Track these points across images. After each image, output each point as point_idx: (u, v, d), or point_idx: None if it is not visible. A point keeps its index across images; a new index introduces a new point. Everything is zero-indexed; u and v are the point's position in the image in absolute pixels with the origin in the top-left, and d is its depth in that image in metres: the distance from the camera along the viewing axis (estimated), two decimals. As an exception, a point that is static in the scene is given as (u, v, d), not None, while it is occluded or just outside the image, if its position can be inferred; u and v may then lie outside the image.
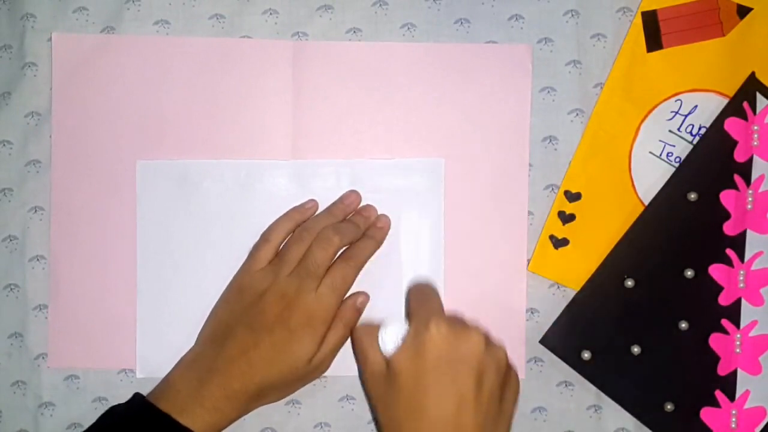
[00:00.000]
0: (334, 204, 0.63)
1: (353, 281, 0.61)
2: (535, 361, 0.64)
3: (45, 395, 0.63)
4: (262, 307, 0.58)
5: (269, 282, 0.59)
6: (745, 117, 0.62)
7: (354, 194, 0.63)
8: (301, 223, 0.62)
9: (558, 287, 0.64)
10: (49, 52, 0.64)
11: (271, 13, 0.64)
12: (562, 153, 0.64)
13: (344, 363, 0.62)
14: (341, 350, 0.62)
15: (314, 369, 0.60)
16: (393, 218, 0.63)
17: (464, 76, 0.64)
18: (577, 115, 0.64)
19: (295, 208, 0.63)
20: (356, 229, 0.62)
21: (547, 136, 0.64)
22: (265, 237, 0.62)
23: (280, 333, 0.57)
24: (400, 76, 0.64)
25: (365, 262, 0.62)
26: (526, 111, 0.64)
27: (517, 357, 0.63)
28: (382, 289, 0.63)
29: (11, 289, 0.64)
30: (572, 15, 0.64)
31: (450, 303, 0.62)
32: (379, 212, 0.63)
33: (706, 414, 0.61)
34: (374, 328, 0.55)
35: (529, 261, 0.64)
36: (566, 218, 0.63)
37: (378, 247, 0.62)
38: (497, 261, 0.63)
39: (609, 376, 0.62)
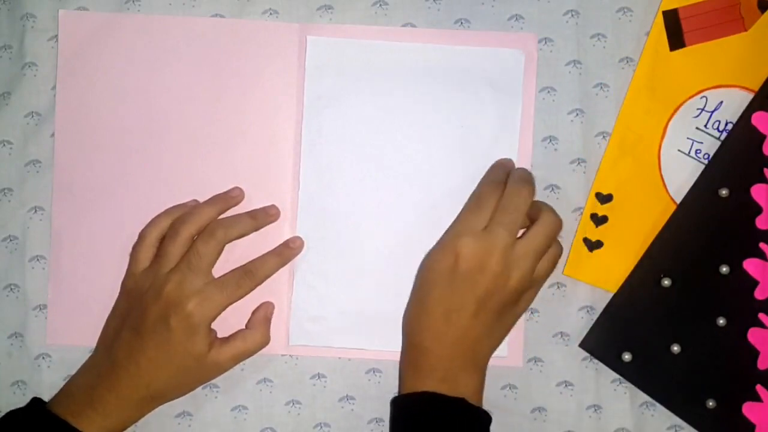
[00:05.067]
0: (217, 195, 0.60)
1: (248, 293, 0.57)
2: (535, 362, 0.60)
3: (45, 395, 0.59)
4: (144, 308, 0.55)
5: (150, 281, 0.56)
6: None
7: (238, 190, 0.60)
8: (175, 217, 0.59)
9: (558, 287, 0.61)
10: (49, 52, 0.61)
11: (270, 13, 0.62)
12: (562, 153, 0.61)
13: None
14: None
15: (210, 369, 0.57)
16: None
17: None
18: (577, 115, 0.61)
19: (174, 206, 0.60)
20: (245, 223, 0.58)
21: (547, 136, 0.61)
22: (140, 235, 0.59)
23: (162, 333, 0.54)
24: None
25: (266, 277, 0.58)
26: (527, 109, 0.61)
27: (516, 357, 0.60)
28: (452, 177, 0.61)
29: (11, 289, 0.61)
30: (572, 15, 0.61)
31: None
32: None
33: (749, 409, 0.59)
34: None
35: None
36: (599, 220, 0.61)
37: (283, 265, 0.59)
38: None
39: (649, 376, 0.60)
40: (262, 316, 0.59)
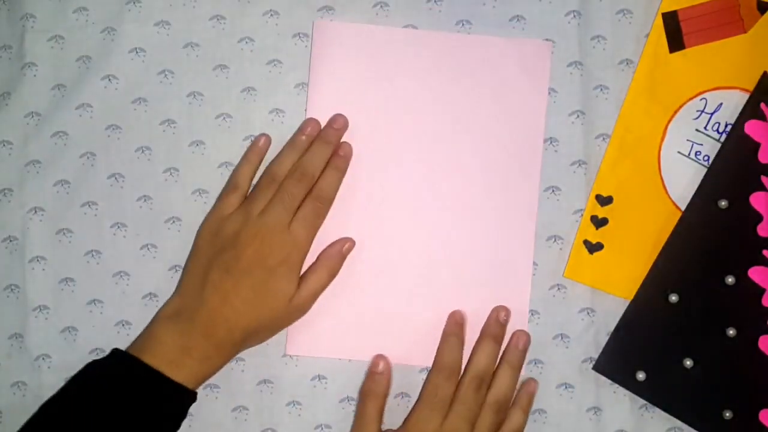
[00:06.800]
0: (295, 136, 0.59)
1: (325, 217, 0.58)
2: (535, 363, 0.59)
3: (45, 396, 0.58)
4: (238, 250, 0.54)
5: (240, 224, 0.55)
6: (764, 118, 0.58)
7: (313, 122, 0.59)
8: (260, 161, 0.59)
9: (558, 289, 0.59)
10: (49, 52, 0.60)
11: (272, 14, 0.60)
12: (562, 155, 0.60)
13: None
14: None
15: (295, 310, 0.56)
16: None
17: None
18: (578, 116, 0.60)
19: (251, 150, 0.59)
20: (324, 151, 0.58)
21: (548, 137, 0.60)
22: (233, 183, 0.58)
23: (258, 273, 0.54)
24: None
25: (335, 194, 0.58)
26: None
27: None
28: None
29: (11, 289, 0.59)
30: (574, 16, 0.60)
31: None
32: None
33: (766, 416, 0.58)
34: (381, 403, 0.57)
35: (537, 265, 0.59)
36: (599, 222, 0.59)
37: (342, 176, 0.58)
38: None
39: (665, 393, 0.58)
40: (336, 251, 0.58)
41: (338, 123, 0.59)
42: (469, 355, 0.58)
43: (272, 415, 0.59)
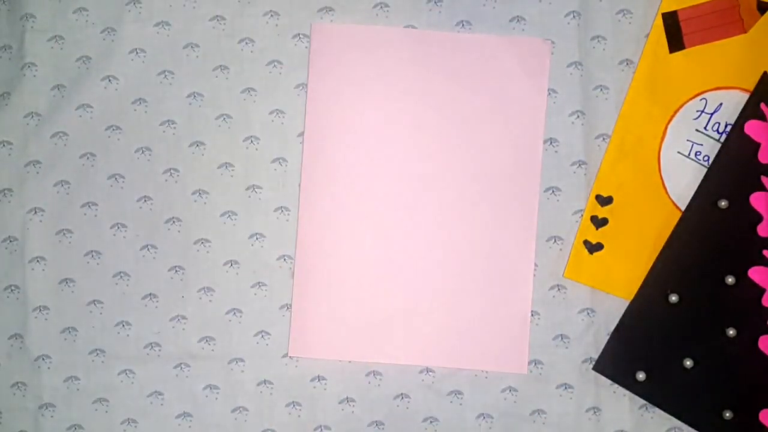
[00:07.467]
0: None
1: None
2: (535, 364, 0.59)
3: (45, 396, 0.59)
4: None
5: None
6: (764, 118, 0.58)
7: None
8: None
9: (558, 290, 0.59)
10: (48, 52, 0.60)
11: (272, 15, 0.60)
12: (562, 155, 0.59)
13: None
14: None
15: None
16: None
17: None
18: (578, 117, 0.59)
19: None
20: None
21: (547, 138, 0.60)
22: None
23: None
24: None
25: None
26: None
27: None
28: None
29: (11, 290, 0.59)
30: (573, 16, 0.59)
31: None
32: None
33: (766, 416, 0.58)
34: None
35: (536, 265, 0.59)
36: (599, 222, 0.59)
37: None
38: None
39: (665, 393, 0.58)
40: None
41: None
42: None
43: (272, 416, 0.59)
